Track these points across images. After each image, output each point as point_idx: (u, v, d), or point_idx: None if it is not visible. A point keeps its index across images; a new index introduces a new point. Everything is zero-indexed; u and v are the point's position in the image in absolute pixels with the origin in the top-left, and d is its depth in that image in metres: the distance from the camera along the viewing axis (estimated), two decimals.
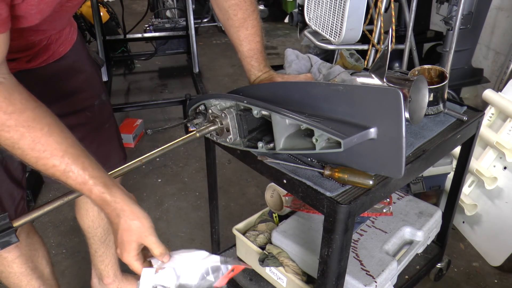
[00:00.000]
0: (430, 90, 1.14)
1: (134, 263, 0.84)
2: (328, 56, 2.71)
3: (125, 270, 1.69)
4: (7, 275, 1.27)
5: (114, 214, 0.81)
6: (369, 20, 2.28)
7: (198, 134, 0.98)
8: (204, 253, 0.89)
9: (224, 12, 1.15)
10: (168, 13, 4.06)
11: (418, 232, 1.43)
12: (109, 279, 1.63)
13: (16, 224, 0.77)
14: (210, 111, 1.02)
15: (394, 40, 2.20)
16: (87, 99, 1.23)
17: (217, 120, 1.01)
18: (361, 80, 1.13)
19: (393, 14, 2.20)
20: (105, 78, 3.15)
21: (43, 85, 1.08)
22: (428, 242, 1.50)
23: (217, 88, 3.43)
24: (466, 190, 1.88)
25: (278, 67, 1.40)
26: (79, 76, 1.20)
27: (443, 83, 1.18)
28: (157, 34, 3.60)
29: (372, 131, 0.87)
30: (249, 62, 1.20)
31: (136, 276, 1.71)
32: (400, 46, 2.23)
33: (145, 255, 0.86)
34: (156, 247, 0.83)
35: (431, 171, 1.81)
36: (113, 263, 1.60)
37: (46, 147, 0.75)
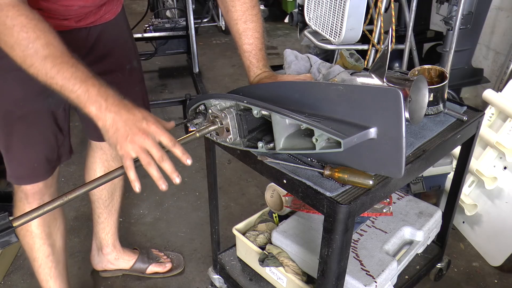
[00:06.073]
0: (430, 90, 1.14)
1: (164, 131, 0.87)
2: (328, 56, 2.71)
3: (124, 246, 1.75)
4: (25, 233, 1.34)
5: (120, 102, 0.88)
6: (369, 20, 2.28)
7: (198, 134, 0.98)
8: None
9: (225, 4, 1.19)
10: (168, 13, 4.05)
11: (418, 232, 1.43)
12: (108, 248, 1.69)
13: (16, 224, 0.78)
14: (210, 111, 1.02)
15: (394, 40, 2.20)
16: (120, 62, 1.38)
17: (217, 120, 1.01)
18: (361, 80, 1.13)
19: (393, 14, 2.20)
20: None
21: (87, 44, 1.26)
22: (428, 242, 1.50)
23: (217, 88, 3.43)
24: (466, 190, 1.88)
25: (278, 67, 1.40)
26: (116, 41, 1.34)
27: (443, 83, 1.18)
28: (157, 34, 3.59)
29: (372, 131, 0.87)
30: (248, 58, 1.20)
31: (134, 251, 1.74)
32: (400, 46, 2.24)
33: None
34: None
35: (431, 171, 1.81)
36: (113, 233, 1.67)
37: (57, 48, 0.86)
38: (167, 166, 0.85)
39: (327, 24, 2.06)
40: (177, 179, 0.85)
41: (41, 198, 1.30)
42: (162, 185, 0.85)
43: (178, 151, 0.87)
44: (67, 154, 1.35)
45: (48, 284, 1.44)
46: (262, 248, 1.44)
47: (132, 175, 0.86)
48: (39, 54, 0.85)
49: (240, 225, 1.56)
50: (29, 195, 1.29)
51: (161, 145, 0.86)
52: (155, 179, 0.85)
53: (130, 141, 0.85)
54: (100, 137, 1.45)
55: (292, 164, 1.01)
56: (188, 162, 0.87)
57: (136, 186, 0.86)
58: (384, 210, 1.44)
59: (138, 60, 1.46)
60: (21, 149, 1.22)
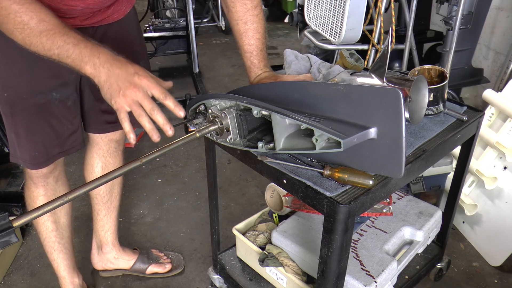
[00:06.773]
0: (430, 90, 1.14)
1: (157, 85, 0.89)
2: (328, 56, 2.71)
3: (124, 246, 1.75)
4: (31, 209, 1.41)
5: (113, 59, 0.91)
6: (369, 20, 2.28)
7: (198, 134, 0.98)
8: None
9: (226, 4, 1.20)
10: (168, 13, 4.05)
11: (418, 232, 1.43)
12: (108, 247, 1.71)
13: (16, 224, 0.77)
14: (210, 111, 1.02)
15: (394, 40, 2.20)
16: None
17: (217, 120, 1.01)
18: (361, 80, 1.13)
19: (393, 14, 2.20)
20: None
21: None
22: (428, 242, 1.50)
23: (217, 88, 3.43)
24: (466, 190, 1.88)
25: (278, 67, 1.40)
26: (123, 41, 1.35)
27: (443, 83, 1.18)
28: (157, 34, 3.59)
29: (372, 131, 0.87)
30: (249, 58, 1.21)
31: (134, 251, 1.75)
32: (400, 46, 2.24)
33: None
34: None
35: (431, 171, 1.81)
36: (113, 231, 1.69)
37: (49, 23, 0.91)
38: (159, 118, 0.88)
39: (327, 24, 2.06)
40: (169, 131, 0.88)
41: (45, 181, 1.39)
42: (154, 136, 0.87)
43: (170, 103, 0.90)
44: (80, 145, 1.38)
45: (53, 256, 1.54)
46: (262, 248, 1.44)
47: (126, 126, 0.89)
48: (34, 32, 0.90)
49: (240, 225, 1.56)
50: (34, 178, 1.37)
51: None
52: (147, 130, 0.87)
53: (122, 95, 0.88)
54: (97, 129, 1.48)
55: (292, 164, 1.01)
56: (181, 114, 0.90)
57: (131, 138, 0.89)
58: (384, 210, 1.44)
59: (145, 61, 1.48)
60: (24, 137, 1.27)
